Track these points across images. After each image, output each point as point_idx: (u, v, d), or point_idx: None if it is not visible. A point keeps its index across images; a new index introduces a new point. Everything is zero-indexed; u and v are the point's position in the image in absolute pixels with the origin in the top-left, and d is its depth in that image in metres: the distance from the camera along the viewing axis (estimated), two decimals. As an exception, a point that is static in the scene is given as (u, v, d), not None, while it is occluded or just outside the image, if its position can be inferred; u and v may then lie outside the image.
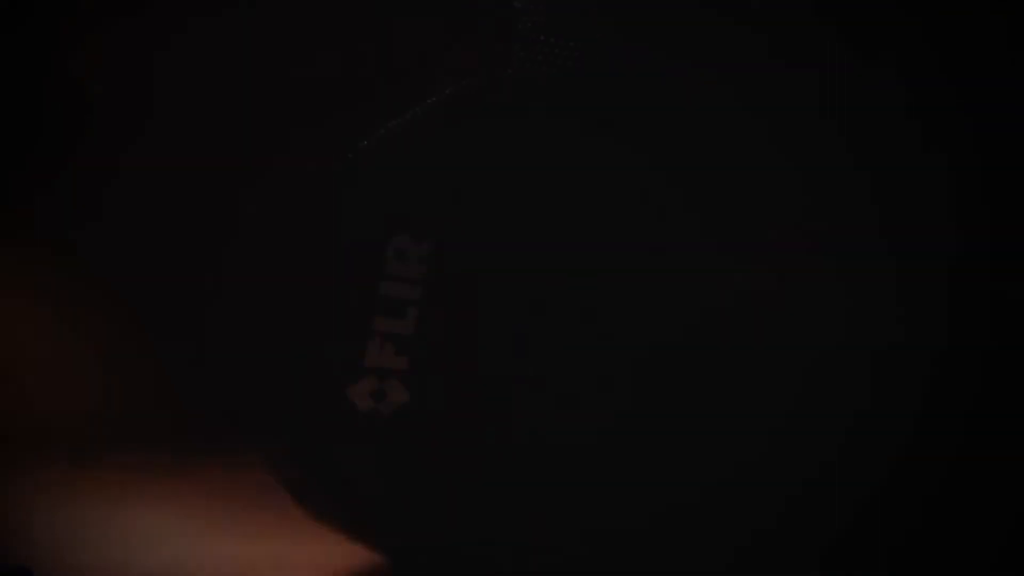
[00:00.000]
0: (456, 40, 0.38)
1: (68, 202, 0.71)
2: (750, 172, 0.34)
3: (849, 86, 0.35)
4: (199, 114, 0.72)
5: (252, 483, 0.41)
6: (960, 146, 0.36)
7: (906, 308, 0.38)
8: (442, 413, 0.32)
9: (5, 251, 0.71)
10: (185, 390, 0.72)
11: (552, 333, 0.33)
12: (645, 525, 0.36)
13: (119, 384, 0.72)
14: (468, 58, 0.36)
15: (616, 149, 0.32)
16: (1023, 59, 0.36)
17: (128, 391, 0.72)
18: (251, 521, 0.48)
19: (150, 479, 0.59)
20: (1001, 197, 0.36)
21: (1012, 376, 0.38)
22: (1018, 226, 0.36)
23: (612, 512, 0.36)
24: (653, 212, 0.33)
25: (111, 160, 0.72)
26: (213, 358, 0.71)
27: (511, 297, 0.32)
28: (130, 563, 0.41)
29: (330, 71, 0.70)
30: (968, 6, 0.35)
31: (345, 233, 0.31)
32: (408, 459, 0.33)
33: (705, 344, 0.35)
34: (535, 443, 0.33)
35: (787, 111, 0.34)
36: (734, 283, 0.36)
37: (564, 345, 0.33)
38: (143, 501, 0.54)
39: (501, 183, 0.32)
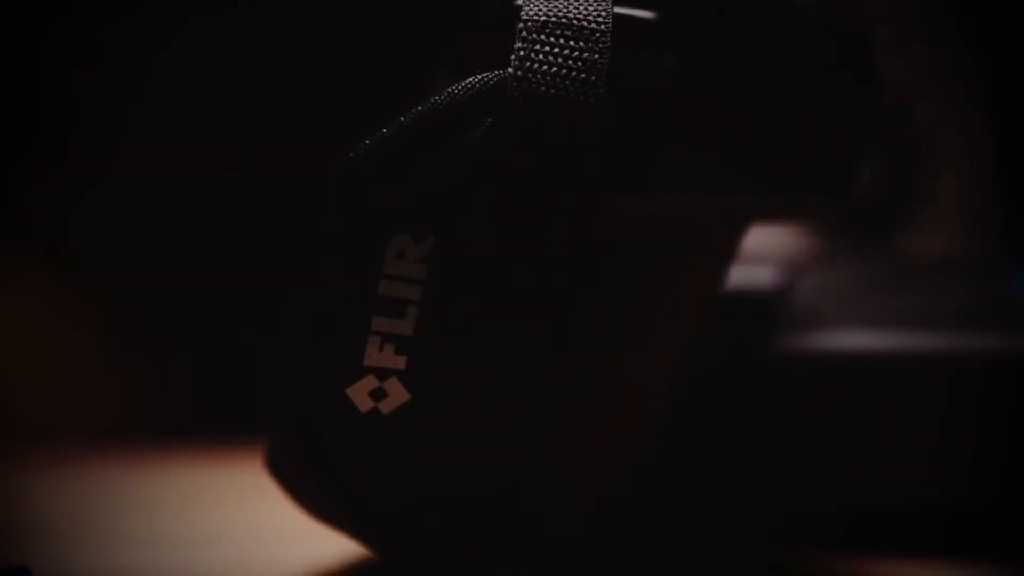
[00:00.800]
0: (458, 37, 0.38)
1: (67, 201, 0.72)
2: (761, 171, 0.34)
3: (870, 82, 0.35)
4: (197, 113, 0.72)
5: (251, 483, 0.41)
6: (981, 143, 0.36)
7: (914, 310, 0.38)
8: (442, 413, 0.32)
9: (5, 251, 0.71)
10: (184, 390, 0.72)
11: (552, 333, 0.33)
12: (646, 525, 0.36)
13: (118, 384, 0.72)
14: (469, 56, 0.35)
15: (619, 146, 0.32)
16: None
17: (127, 391, 0.72)
18: (250, 521, 0.48)
19: (150, 479, 0.59)
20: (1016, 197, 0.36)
21: (1015, 378, 0.38)
22: None
23: (612, 512, 0.36)
24: (657, 212, 0.33)
25: (108, 159, 0.72)
26: (212, 358, 0.71)
27: (511, 297, 0.32)
28: (130, 564, 0.41)
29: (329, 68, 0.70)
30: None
31: (345, 233, 0.31)
32: (408, 459, 0.33)
33: (705, 344, 0.36)
34: (535, 443, 0.33)
35: (799, 109, 0.34)
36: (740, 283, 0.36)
37: (564, 345, 0.33)
38: (143, 501, 0.54)
39: (502, 182, 0.31)
